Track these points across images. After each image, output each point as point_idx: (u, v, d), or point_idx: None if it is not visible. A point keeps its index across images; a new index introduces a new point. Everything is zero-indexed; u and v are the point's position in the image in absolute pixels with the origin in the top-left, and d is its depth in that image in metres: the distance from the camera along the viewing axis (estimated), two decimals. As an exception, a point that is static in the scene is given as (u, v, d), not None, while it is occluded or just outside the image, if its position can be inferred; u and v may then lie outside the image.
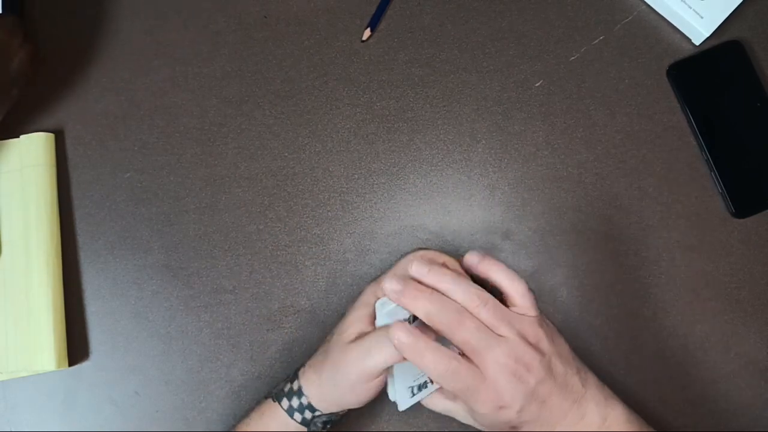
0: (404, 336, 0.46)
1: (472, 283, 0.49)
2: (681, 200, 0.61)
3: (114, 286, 0.60)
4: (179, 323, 0.60)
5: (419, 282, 0.49)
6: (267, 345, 0.59)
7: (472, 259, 0.51)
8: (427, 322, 0.48)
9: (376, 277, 0.56)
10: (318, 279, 0.60)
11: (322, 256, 0.61)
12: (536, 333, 0.48)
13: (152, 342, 0.60)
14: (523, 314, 0.49)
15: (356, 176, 0.62)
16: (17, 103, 0.61)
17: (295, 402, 0.51)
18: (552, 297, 0.60)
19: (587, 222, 0.61)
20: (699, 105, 0.61)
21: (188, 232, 0.61)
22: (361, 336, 0.50)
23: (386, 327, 0.48)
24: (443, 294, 0.48)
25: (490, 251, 0.60)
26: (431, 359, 0.46)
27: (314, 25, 0.64)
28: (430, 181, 0.62)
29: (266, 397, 0.53)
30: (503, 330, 0.47)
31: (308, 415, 0.51)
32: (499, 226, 0.61)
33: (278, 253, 0.61)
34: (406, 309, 0.49)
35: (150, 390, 0.59)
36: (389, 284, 0.48)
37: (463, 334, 0.47)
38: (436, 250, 0.55)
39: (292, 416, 0.51)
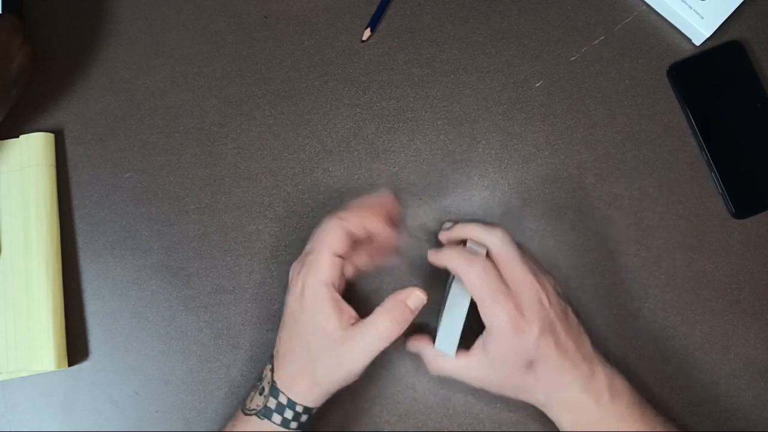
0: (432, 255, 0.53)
1: None
2: (681, 200, 0.61)
3: (114, 286, 0.60)
4: (179, 323, 0.60)
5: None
6: (267, 345, 0.59)
7: (446, 226, 0.57)
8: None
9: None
10: (318, 279, 0.60)
11: (322, 256, 0.61)
12: (553, 284, 0.53)
13: (152, 342, 0.60)
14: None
15: (356, 176, 0.62)
16: (17, 103, 0.61)
17: (288, 414, 0.51)
18: (552, 297, 0.60)
19: (587, 222, 0.61)
20: (699, 105, 0.61)
21: (188, 232, 0.61)
22: (348, 327, 0.50)
23: (379, 313, 0.50)
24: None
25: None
26: (460, 257, 0.50)
27: (314, 25, 0.64)
28: (430, 182, 0.62)
29: (247, 414, 0.52)
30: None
31: (304, 418, 0.51)
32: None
33: (278, 253, 0.61)
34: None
35: (150, 390, 0.59)
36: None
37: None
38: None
39: (288, 427, 0.51)
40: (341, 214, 0.52)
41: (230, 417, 0.54)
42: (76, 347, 0.59)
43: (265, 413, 0.51)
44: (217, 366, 0.59)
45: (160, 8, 0.65)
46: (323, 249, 0.51)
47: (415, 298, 0.50)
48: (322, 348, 0.50)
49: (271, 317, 0.60)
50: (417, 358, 0.59)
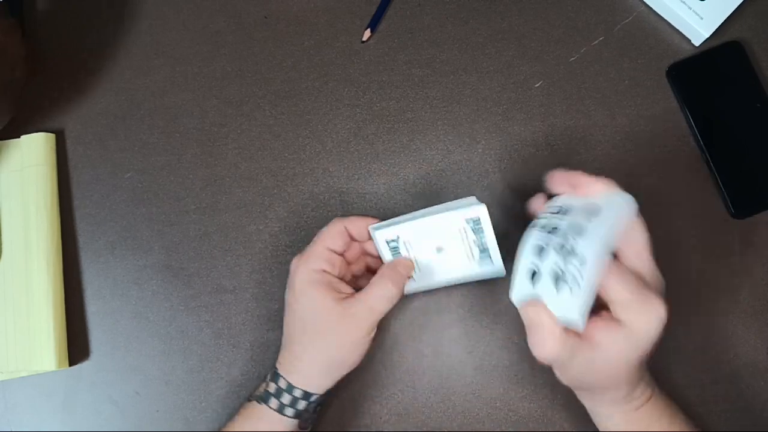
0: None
1: None
2: (681, 200, 0.61)
3: (114, 286, 0.60)
4: (179, 323, 0.60)
5: None
6: (267, 345, 0.59)
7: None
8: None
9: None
10: (318, 279, 0.60)
11: (322, 256, 0.61)
12: None
13: (152, 342, 0.60)
14: None
15: (356, 176, 0.62)
16: (17, 104, 0.61)
17: (285, 398, 0.51)
18: (552, 297, 0.60)
19: (587, 222, 0.61)
20: (699, 105, 0.61)
21: (188, 232, 0.61)
22: (346, 299, 0.51)
23: (385, 268, 0.52)
24: None
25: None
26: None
27: (314, 25, 0.64)
28: (430, 182, 0.62)
29: (249, 400, 0.53)
30: None
31: (302, 405, 0.51)
32: (499, 226, 0.61)
33: (278, 253, 0.61)
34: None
35: (150, 390, 0.59)
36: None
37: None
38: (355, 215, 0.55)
39: (283, 412, 0.51)
40: (344, 217, 0.55)
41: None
42: (76, 347, 0.59)
43: (264, 398, 0.52)
44: (217, 366, 0.59)
45: (160, 8, 0.65)
46: (318, 241, 0.53)
47: (406, 264, 0.53)
48: (320, 323, 0.51)
49: (271, 317, 0.60)
50: (416, 357, 0.59)
